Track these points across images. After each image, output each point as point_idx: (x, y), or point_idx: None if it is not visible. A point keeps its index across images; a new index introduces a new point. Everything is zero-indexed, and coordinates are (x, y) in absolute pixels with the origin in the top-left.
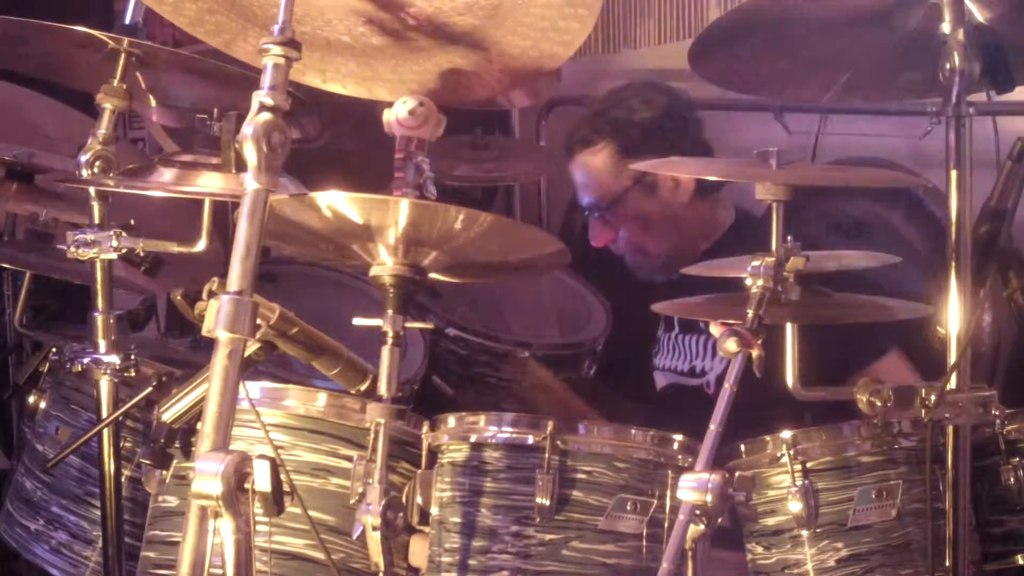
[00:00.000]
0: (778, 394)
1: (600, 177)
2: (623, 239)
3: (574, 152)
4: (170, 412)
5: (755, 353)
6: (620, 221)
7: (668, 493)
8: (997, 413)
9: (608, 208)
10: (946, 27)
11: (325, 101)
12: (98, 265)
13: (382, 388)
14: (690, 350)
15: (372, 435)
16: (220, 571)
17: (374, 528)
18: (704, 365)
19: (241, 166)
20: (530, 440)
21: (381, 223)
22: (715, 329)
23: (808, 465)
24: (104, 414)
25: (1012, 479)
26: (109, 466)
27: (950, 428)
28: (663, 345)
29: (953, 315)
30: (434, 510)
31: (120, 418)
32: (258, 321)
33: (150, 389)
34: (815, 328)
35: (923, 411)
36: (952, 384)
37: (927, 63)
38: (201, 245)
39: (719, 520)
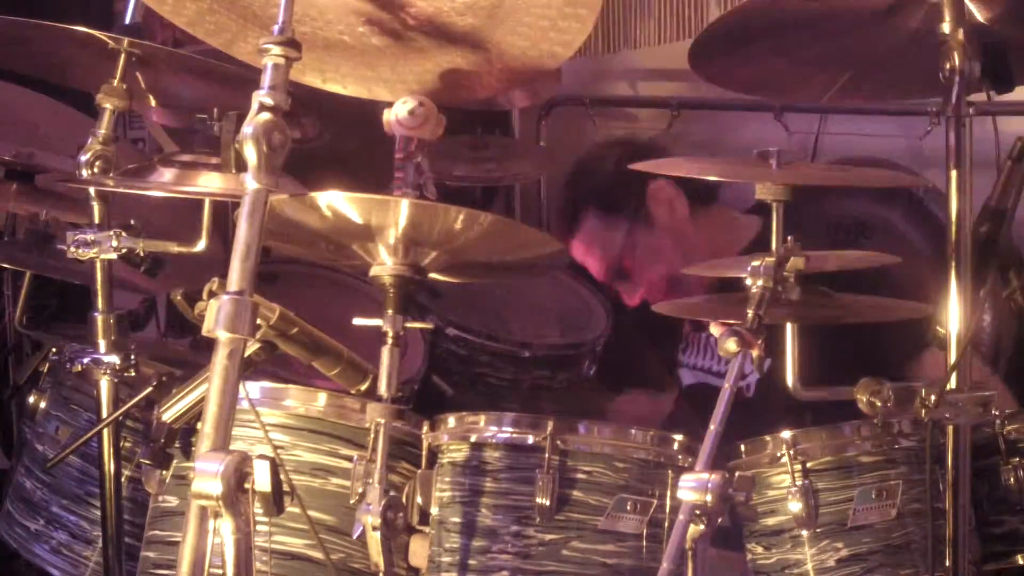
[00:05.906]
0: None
1: (598, 249)
2: (650, 286)
3: (565, 237)
4: (170, 412)
5: (755, 353)
6: (640, 271)
7: (668, 493)
8: (997, 413)
9: (622, 265)
10: (946, 27)
11: (325, 101)
12: (98, 265)
13: (382, 388)
14: None
15: (372, 435)
16: (220, 571)
17: (374, 528)
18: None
19: (241, 166)
20: (530, 440)
21: (381, 223)
22: (715, 329)
23: (808, 465)
24: (104, 414)
25: (1012, 479)
26: (109, 466)
27: (950, 428)
28: (692, 343)
29: (953, 315)
30: (434, 510)
31: (120, 418)
32: (258, 321)
33: (150, 389)
34: (853, 325)
35: (923, 411)
36: (952, 384)
37: (927, 63)
38: (201, 245)
39: (719, 520)
